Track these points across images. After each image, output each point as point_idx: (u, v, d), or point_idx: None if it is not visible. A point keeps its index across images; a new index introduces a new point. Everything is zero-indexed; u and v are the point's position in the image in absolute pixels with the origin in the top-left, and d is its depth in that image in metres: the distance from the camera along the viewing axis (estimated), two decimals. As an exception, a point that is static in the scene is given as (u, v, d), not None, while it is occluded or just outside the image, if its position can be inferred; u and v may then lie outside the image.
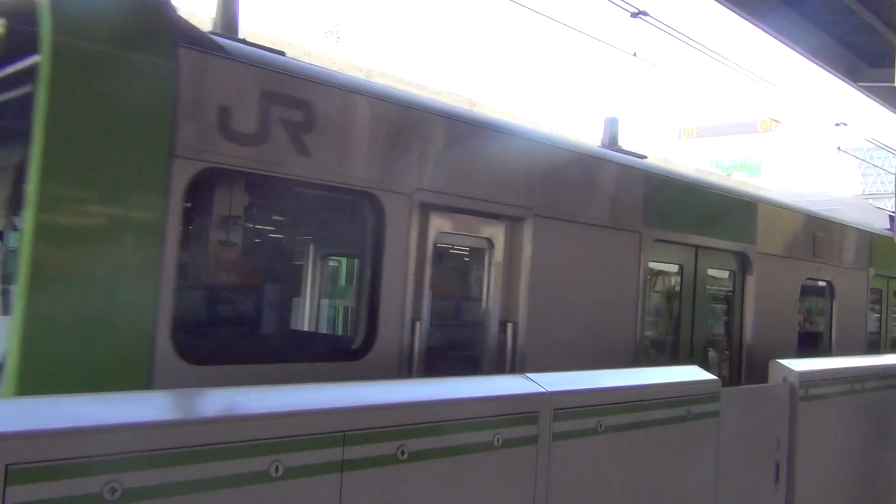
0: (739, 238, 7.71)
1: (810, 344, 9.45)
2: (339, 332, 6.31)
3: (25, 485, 2.26)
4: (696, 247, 7.22)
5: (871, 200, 20.33)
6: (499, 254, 5.38)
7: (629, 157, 6.90)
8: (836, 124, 17.59)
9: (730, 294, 8.01)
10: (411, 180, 4.77)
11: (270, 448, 2.84)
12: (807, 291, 9.21)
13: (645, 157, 7.21)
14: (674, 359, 7.19)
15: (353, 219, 5.03)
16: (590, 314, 5.94)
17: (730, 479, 5.24)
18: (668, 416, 4.76)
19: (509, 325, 5.32)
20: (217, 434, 2.74)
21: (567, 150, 6.05)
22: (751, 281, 7.81)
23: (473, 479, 3.62)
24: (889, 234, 11.04)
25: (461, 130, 5.17)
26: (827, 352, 9.40)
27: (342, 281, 6.63)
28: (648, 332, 6.96)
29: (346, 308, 5.82)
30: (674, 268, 7.42)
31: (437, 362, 5.11)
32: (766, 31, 10.42)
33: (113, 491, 2.41)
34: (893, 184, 9.21)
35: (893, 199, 9.27)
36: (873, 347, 10.57)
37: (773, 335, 8.15)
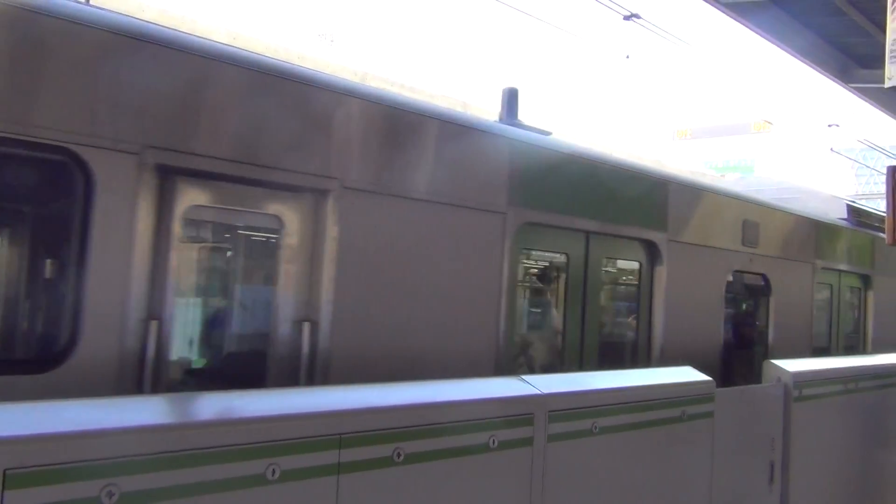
0: (646, 223, 6.57)
1: (740, 348, 8.31)
2: (14, 336, 4.32)
3: (24, 489, 2.28)
4: (587, 232, 6.06)
5: (864, 200, 20.49)
6: (292, 236, 4.29)
7: (493, 123, 5.70)
8: (829, 125, 17.71)
9: (634, 289, 6.86)
10: (141, 135, 3.63)
11: (267, 451, 2.86)
12: (735, 287, 8.08)
13: (548, 134, 6.11)
14: (556, 366, 6.07)
15: (40, 184, 3.85)
16: (428, 313, 4.81)
17: (725, 480, 5.27)
18: (662, 417, 4.78)
19: (306, 325, 4.23)
20: (214, 437, 2.75)
21: (392, 108, 4.76)
22: (661, 273, 6.66)
23: (469, 481, 3.64)
24: (846, 224, 9.96)
25: (229, 75, 4.01)
26: (761, 357, 7.97)
27: (23, 269, 4.59)
28: (519, 335, 5.91)
29: (29, 304, 4.24)
30: (557, 257, 6.27)
31: (190, 372, 4.18)
32: (757, 32, 10.48)
33: (111, 494, 2.43)
34: (885, 183, 8.73)
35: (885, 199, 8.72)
36: (821, 352, 9.12)
37: (691, 337, 7.00)
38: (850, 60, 12.06)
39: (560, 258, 6.19)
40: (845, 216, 10.25)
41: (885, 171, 8.65)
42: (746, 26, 10.28)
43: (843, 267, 9.62)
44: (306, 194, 4.31)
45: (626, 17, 9.19)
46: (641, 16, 9.25)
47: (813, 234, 8.95)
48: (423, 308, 4.78)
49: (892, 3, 7.28)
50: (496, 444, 3.72)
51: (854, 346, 10.12)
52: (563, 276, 6.15)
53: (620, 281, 7.21)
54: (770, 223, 8.16)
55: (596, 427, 4.27)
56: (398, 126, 4.76)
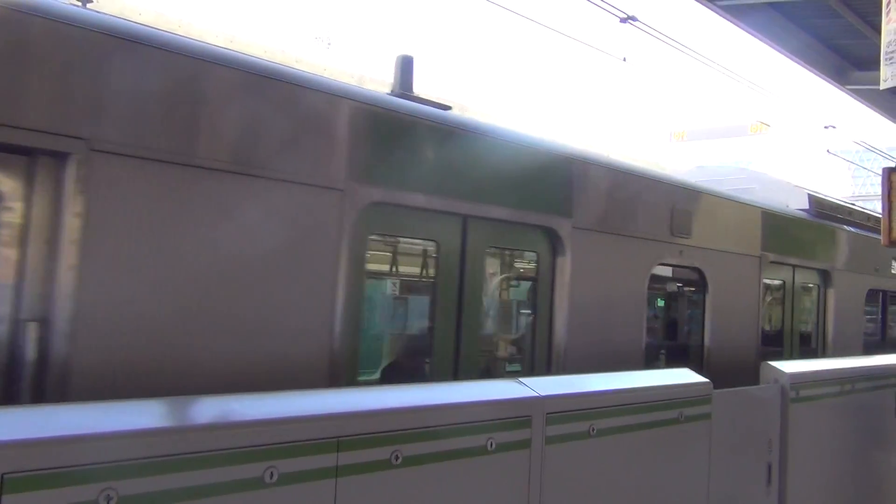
0: (545, 207, 5.59)
1: (666, 353, 7.39)
2: None
3: (21, 493, 2.28)
4: (465, 216, 5.10)
5: (861, 201, 20.52)
6: (15, 213, 3.36)
7: (325, 81, 4.65)
8: (825, 127, 17.73)
9: (530, 284, 5.91)
10: None
11: (265, 454, 2.86)
12: (661, 283, 7.15)
13: (448, 108, 5.36)
14: (421, 376, 5.21)
15: None
16: (226, 311, 3.84)
17: (722, 481, 5.28)
18: (659, 419, 4.79)
19: (32, 326, 3.31)
20: (212, 441, 2.76)
21: (171, 54, 3.72)
22: (563, 266, 5.67)
23: (467, 484, 3.65)
24: (805, 215, 9.29)
25: None
26: (698, 366, 6.93)
27: None
28: (365, 340, 4.94)
29: None
30: (424, 245, 5.33)
31: None
32: (752, 34, 10.51)
33: (109, 498, 2.43)
34: (881, 185, 8.58)
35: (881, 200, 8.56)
36: (773, 356, 7.70)
37: (602, 340, 6.00)
38: (846, 62, 12.09)
39: (427, 246, 5.27)
40: (806, 206, 9.53)
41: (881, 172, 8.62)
42: (742, 28, 10.31)
43: (798, 261, 8.69)
44: (37, 158, 3.36)
45: (623, 20, 9.20)
46: (638, 18, 9.26)
47: (761, 225, 7.96)
48: (217, 305, 3.82)
49: (888, 5, 7.30)
50: (494, 446, 3.73)
51: (811, 350, 9.17)
52: (431, 268, 5.19)
53: (510, 274, 6.24)
54: (706, 211, 7.19)
55: (593, 429, 4.28)
56: (176, 76, 3.74)
